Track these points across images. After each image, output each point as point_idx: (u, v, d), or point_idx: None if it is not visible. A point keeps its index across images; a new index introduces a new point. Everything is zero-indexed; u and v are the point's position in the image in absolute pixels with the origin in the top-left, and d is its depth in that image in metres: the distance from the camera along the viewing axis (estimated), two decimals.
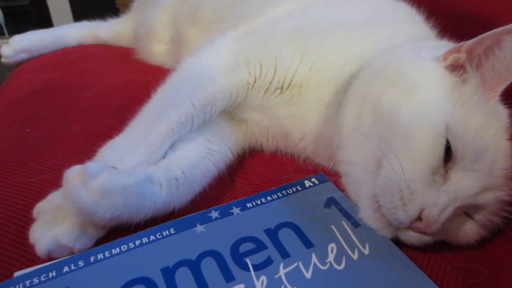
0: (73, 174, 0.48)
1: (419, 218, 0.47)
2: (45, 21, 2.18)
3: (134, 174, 0.52)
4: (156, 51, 1.15)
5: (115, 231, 0.53)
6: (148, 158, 0.59)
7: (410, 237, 0.50)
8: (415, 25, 0.75)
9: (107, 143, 0.61)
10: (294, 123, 0.69)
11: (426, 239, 0.49)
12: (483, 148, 0.48)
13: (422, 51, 0.58)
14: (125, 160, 0.57)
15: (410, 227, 0.48)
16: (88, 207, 0.47)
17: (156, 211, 0.53)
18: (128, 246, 0.49)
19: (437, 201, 0.46)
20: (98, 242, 0.51)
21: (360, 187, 0.54)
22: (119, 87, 0.98)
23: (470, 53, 0.53)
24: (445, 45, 0.64)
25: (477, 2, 0.93)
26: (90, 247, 0.50)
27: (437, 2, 1.02)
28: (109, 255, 0.48)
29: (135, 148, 0.59)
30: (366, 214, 0.52)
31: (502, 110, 0.53)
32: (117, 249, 0.49)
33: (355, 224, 0.54)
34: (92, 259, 0.47)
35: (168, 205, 0.55)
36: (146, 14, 1.17)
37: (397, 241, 0.52)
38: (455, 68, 0.54)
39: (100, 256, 0.48)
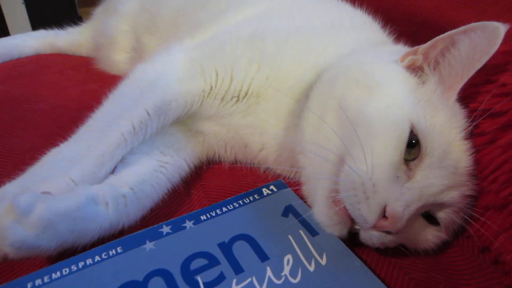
0: (2, 213, 0.44)
1: (383, 217, 0.46)
2: (0, 30, 2.08)
3: (74, 196, 0.49)
4: (118, 60, 1.12)
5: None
6: (96, 171, 0.55)
7: (373, 236, 0.49)
8: (372, 32, 0.75)
9: (51, 151, 0.57)
10: (252, 133, 0.67)
11: (387, 239, 0.49)
12: (449, 146, 0.49)
13: (382, 55, 0.60)
14: (71, 172, 0.53)
15: (375, 226, 0.47)
16: (29, 243, 0.44)
17: (104, 232, 0.51)
18: (70, 269, 0.46)
19: (401, 197, 0.46)
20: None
21: (318, 186, 0.53)
22: (75, 99, 0.94)
23: (426, 55, 0.55)
24: (402, 49, 0.65)
25: (435, 10, 0.95)
26: None
27: (396, 9, 1.04)
28: (49, 280, 0.44)
29: (83, 159, 0.55)
30: (319, 210, 0.51)
31: (460, 110, 0.54)
32: (58, 273, 0.45)
33: (313, 232, 0.53)
34: (29, 286, 0.44)
35: (116, 225, 0.52)
36: (106, 23, 1.14)
37: (354, 247, 0.51)
38: (414, 70, 0.56)
39: (38, 282, 0.44)
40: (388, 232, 0.48)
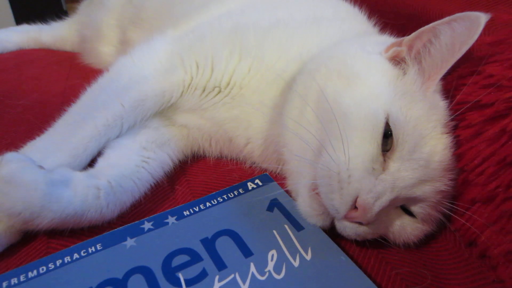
0: None
1: (355, 208, 0.46)
2: None
3: (49, 173, 0.49)
4: (104, 52, 1.10)
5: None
6: (70, 163, 0.56)
7: (346, 227, 0.49)
8: (357, 23, 0.74)
9: (28, 144, 0.57)
10: (237, 127, 0.66)
11: (361, 230, 0.49)
12: (421, 139, 0.48)
13: (366, 46, 0.59)
14: (46, 163, 0.53)
15: (346, 216, 0.47)
16: None
17: (66, 218, 0.48)
18: (47, 268, 0.45)
19: (373, 188, 0.46)
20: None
21: (300, 177, 0.53)
22: (58, 94, 0.92)
23: (410, 47, 0.55)
24: (388, 40, 0.64)
25: (424, 3, 0.95)
26: None
27: (385, 2, 1.03)
28: (25, 278, 0.43)
29: (57, 151, 0.56)
30: (302, 201, 0.51)
31: (440, 102, 0.53)
32: (34, 271, 0.44)
33: (298, 227, 0.52)
34: (4, 285, 0.42)
35: (80, 214, 0.50)
36: (92, 16, 1.12)
37: (340, 241, 0.50)
38: (398, 61, 0.55)
39: (14, 281, 0.43)
40: (360, 223, 0.48)
